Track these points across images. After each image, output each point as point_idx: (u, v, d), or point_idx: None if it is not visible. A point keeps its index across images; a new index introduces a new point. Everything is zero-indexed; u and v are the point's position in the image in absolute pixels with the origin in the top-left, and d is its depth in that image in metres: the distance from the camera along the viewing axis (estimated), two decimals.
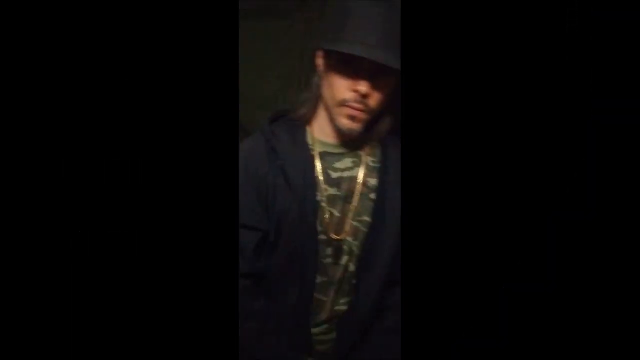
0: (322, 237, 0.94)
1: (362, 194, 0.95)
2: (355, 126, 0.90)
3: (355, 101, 0.88)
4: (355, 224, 0.95)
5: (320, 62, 0.93)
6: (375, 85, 0.88)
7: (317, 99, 0.95)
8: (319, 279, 0.95)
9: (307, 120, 0.98)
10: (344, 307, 0.97)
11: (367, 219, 0.95)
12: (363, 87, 0.86)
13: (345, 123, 0.90)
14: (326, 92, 0.92)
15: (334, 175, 0.95)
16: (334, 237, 0.93)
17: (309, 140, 0.97)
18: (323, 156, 0.95)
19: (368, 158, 0.97)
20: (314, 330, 0.98)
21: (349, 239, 0.95)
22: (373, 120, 0.95)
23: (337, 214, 0.94)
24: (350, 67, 0.87)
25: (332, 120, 0.93)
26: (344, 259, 0.95)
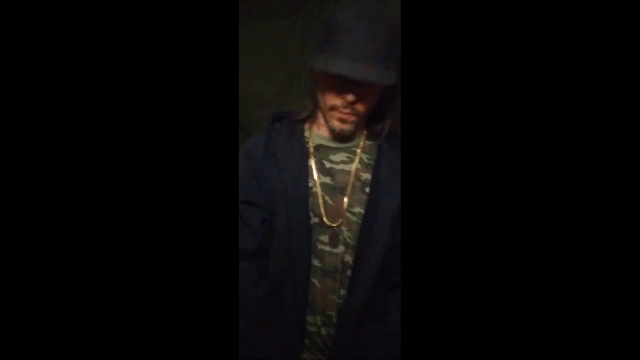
0: (316, 220, 1.01)
1: (355, 186, 1.02)
2: (345, 127, 1.02)
3: (344, 107, 0.99)
4: (349, 215, 1.01)
5: (313, 72, 1.03)
6: (362, 93, 0.98)
7: (314, 103, 1.07)
8: (315, 262, 1.01)
9: (306, 119, 1.08)
10: (339, 301, 1.00)
11: (360, 210, 1.01)
12: (350, 97, 0.97)
13: (336, 125, 1.02)
14: (320, 98, 1.04)
15: (328, 165, 1.04)
16: (329, 224, 1.00)
17: (307, 135, 1.07)
18: (318, 149, 1.05)
19: (364, 155, 1.05)
20: (309, 319, 1.01)
21: (344, 228, 1.01)
22: (371, 120, 1.06)
23: (330, 202, 1.02)
24: (337, 78, 0.97)
25: (326, 121, 1.05)
26: (340, 248, 1.01)
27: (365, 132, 1.07)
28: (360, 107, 0.99)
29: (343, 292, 1.00)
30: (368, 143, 1.06)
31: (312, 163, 1.04)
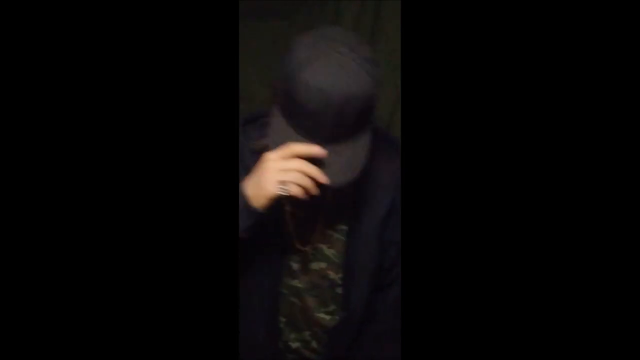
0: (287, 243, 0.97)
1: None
2: None
3: None
4: (330, 232, 0.97)
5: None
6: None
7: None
8: (294, 282, 0.98)
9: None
10: (328, 316, 1.00)
11: (343, 227, 0.97)
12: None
13: None
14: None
15: None
16: (300, 247, 0.96)
17: None
18: None
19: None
20: (291, 336, 1.01)
21: (323, 246, 0.97)
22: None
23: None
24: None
25: None
26: (319, 264, 0.98)
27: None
28: None
29: (333, 306, 1.00)
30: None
31: None
